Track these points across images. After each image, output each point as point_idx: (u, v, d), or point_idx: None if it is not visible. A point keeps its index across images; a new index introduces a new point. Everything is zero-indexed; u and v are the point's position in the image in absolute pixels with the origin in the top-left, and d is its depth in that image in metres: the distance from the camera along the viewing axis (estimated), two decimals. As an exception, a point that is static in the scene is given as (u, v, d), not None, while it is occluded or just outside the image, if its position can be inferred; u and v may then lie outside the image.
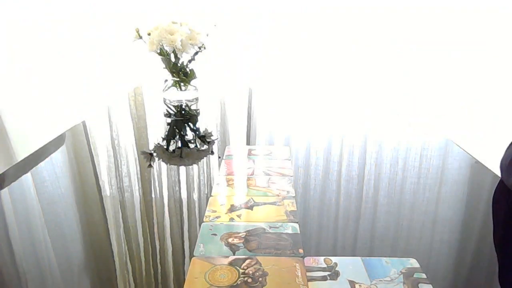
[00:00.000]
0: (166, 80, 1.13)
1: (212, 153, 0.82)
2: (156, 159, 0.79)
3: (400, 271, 0.45)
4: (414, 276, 0.44)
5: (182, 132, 0.97)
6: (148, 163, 0.77)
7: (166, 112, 1.10)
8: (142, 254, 0.50)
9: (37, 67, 1.71)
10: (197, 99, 1.16)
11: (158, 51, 1.05)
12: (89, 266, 0.49)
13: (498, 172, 0.70)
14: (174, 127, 1.00)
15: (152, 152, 0.82)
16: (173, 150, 0.85)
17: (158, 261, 0.49)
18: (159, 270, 0.47)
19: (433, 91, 1.66)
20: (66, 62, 1.71)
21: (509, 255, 0.51)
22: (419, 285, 0.43)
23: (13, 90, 1.71)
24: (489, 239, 0.55)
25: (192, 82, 1.14)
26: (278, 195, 0.62)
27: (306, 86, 1.60)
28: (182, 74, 1.11)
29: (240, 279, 0.44)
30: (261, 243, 0.50)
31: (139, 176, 0.72)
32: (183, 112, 1.10)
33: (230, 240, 0.50)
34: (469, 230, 0.57)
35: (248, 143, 0.88)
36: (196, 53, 1.10)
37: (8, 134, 1.69)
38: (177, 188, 0.67)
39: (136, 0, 1.63)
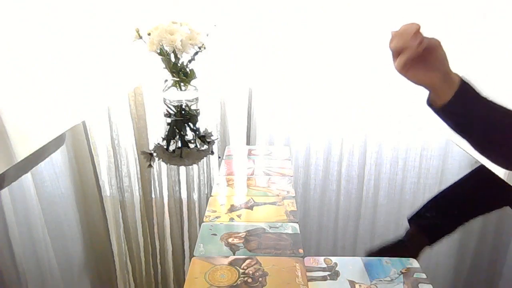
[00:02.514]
0: (166, 80, 1.13)
1: (212, 153, 0.82)
2: (156, 159, 0.79)
3: (400, 271, 0.45)
4: (414, 276, 0.44)
5: (182, 132, 0.97)
6: (148, 163, 0.77)
7: (166, 112, 1.10)
8: (142, 254, 0.50)
9: (37, 67, 1.71)
10: (197, 99, 1.16)
11: (158, 51, 1.05)
12: (89, 266, 0.49)
13: (498, 172, 0.70)
14: (174, 127, 1.00)
15: (152, 152, 0.82)
16: (173, 150, 0.85)
17: (158, 261, 0.49)
18: (159, 270, 0.47)
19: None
20: (66, 62, 1.71)
21: None
22: (419, 285, 0.43)
23: (13, 90, 1.71)
24: (489, 239, 0.55)
25: (192, 82, 1.14)
26: (278, 195, 0.62)
27: (306, 86, 1.60)
28: (182, 74, 1.11)
29: (240, 279, 0.44)
30: (261, 243, 0.50)
31: (139, 176, 0.72)
32: (183, 112, 1.10)
33: (230, 240, 0.50)
34: (469, 230, 0.57)
35: (248, 143, 0.88)
36: (196, 53, 1.09)
37: (8, 134, 1.69)
38: (177, 188, 0.67)
39: (136, 0, 1.64)
